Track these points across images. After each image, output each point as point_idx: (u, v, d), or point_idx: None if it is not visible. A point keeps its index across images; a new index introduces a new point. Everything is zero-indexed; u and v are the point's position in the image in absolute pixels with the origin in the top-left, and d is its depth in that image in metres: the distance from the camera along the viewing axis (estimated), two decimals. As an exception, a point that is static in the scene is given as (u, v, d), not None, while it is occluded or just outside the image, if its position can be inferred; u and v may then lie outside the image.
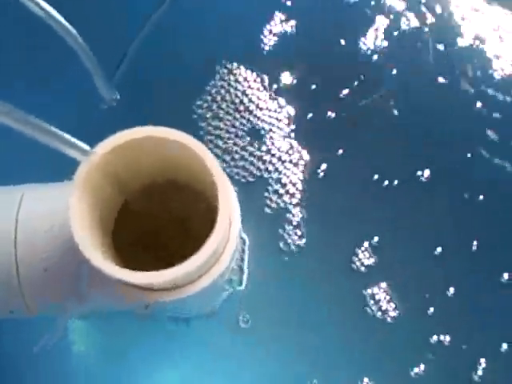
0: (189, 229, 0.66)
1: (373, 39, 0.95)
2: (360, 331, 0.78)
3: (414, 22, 0.96)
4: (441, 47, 0.95)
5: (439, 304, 0.79)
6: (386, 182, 0.85)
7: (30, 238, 0.51)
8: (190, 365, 0.77)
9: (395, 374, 0.78)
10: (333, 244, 0.82)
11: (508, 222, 0.85)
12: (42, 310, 0.54)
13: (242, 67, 0.92)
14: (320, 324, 0.78)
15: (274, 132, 0.88)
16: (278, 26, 0.96)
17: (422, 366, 0.76)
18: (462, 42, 0.95)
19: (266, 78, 0.92)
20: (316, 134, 0.89)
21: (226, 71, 0.92)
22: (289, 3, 0.97)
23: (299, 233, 0.82)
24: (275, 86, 0.91)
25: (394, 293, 0.79)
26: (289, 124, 0.89)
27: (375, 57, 0.94)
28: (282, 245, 0.81)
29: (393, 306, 0.79)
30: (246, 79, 0.91)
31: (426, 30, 0.96)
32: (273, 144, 0.87)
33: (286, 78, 0.92)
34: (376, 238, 0.82)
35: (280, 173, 0.85)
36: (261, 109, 0.89)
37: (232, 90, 0.90)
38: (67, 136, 0.44)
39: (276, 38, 0.95)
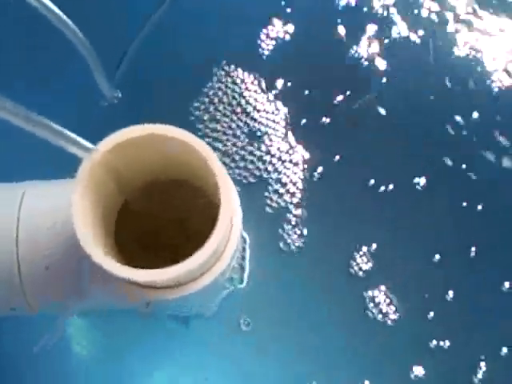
0: (188, 229, 0.66)
1: (370, 43, 0.95)
2: (360, 334, 0.79)
3: (412, 26, 0.97)
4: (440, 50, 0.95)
5: (438, 307, 0.79)
6: (386, 186, 0.85)
7: (31, 235, 0.51)
8: (190, 364, 0.77)
9: (395, 376, 0.78)
10: (332, 245, 0.83)
11: (508, 225, 0.85)
12: (44, 307, 0.54)
13: (239, 69, 0.92)
14: (320, 325, 0.78)
15: (271, 133, 0.88)
16: (276, 29, 0.96)
17: (422, 369, 0.77)
18: (460, 48, 0.96)
19: (262, 80, 0.92)
20: (314, 135, 0.89)
21: (223, 73, 0.92)
22: (288, 10, 0.97)
23: (299, 232, 0.82)
24: (272, 88, 0.92)
25: (393, 295, 0.79)
26: (286, 125, 0.89)
27: (373, 61, 0.94)
28: (281, 245, 0.81)
29: (393, 308, 0.79)
30: (243, 81, 0.92)
31: (425, 32, 0.96)
32: (271, 145, 0.87)
33: (284, 80, 0.92)
34: (375, 242, 0.82)
35: (280, 173, 0.86)
36: (258, 110, 0.90)
37: (229, 92, 0.91)
38: (70, 133, 0.44)
39: (274, 42, 0.95)
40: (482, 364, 0.76)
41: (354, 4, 0.98)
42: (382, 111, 0.90)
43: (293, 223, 0.83)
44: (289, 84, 0.92)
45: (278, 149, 0.87)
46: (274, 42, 0.95)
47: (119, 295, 0.51)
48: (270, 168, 0.86)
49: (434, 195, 0.86)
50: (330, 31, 0.96)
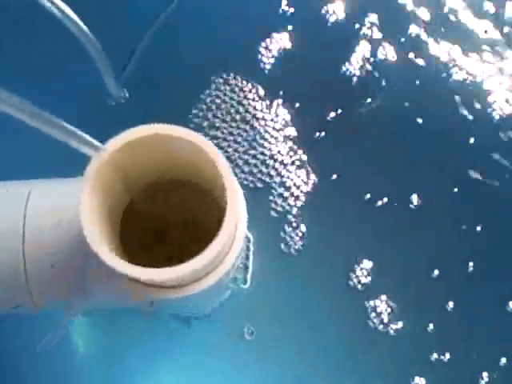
0: (192, 229, 0.66)
1: (368, 56, 0.96)
2: (361, 344, 0.79)
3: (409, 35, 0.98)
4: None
5: (439, 318, 0.80)
6: (385, 198, 0.86)
7: (37, 233, 0.51)
8: (191, 365, 0.77)
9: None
10: (333, 253, 0.83)
11: (506, 240, 0.86)
12: (49, 305, 0.54)
13: (238, 77, 0.93)
14: (320, 325, 0.79)
15: (270, 139, 0.89)
16: (275, 40, 0.97)
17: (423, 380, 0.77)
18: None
19: (260, 87, 0.93)
20: (314, 142, 0.90)
21: (221, 81, 0.92)
22: (290, 27, 0.98)
23: (300, 234, 0.82)
24: (271, 96, 0.92)
25: (394, 304, 0.80)
26: (285, 131, 0.89)
27: (372, 72, 0.95)
28: (283, 246, 0.82)
29: (392, 317, 0.79)
30: (241, 89, 0.92)
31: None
32: (271, 151, 0.88)
33: (283, 88, 0.93)
34: (375, 254, 0.82)
35: (282, 177, 0.86)
36: (257, 118, 0.90)
37: (228, 100, 0.91)
38: (79, 132, 0.44)
39: (274, 53, 0.96)
40: (485, 374, 0.77)
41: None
42: (383, 119, 0.91)
43: (293, 225, 0.83)
44: (287, 91, 0.93)
45: (278, 154, 0.87)
46: (273, 52, 0.96)
47: (123, 294, 0.51)
48: (272, 172, 0.87)
49: (436, 206, 0.86)
50: (327, 40, 0.98)
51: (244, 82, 0.92)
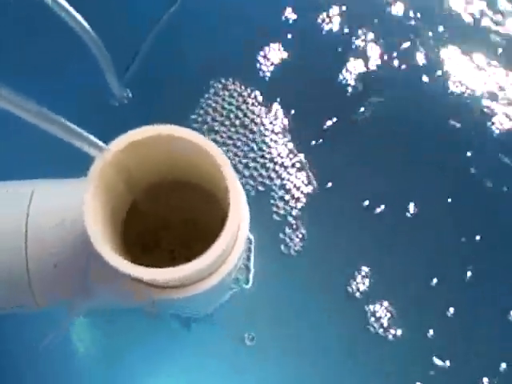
0: (192, 229, 0.67)
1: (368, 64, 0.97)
2: (361, 345, 0.79)
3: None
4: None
5: (439, 323, 0.80)
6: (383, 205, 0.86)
7: (40, 232, 0.51)
8: (191, 366, 0.78)
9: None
10: (333, 251, 0.83)
11: (506, 246, 0.86)
12: (51, 305, 0.54)
13: (237, 82, 0.93)
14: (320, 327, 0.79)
15: (270, 142, 0.89)
16: (276, 50, 0.97)
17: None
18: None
19: (258, 93, 0.93)
20: (313, 144, 0.90)
21: (220, 86, 0.92)
22: (289, 36, 0.98)
23: (300, 236, 0.83)
24: (270, 100, 0.93)
25: (394, 309, 0.80)
26: (284, 135, 0.90)
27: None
28: (283, 247, 0.82)
29: (392, 322, 0.79)
30: (240, 94, 0.92)
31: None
32: (271, 155, 0.88)
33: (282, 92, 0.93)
34: (375, 252, 0.83)
35: (283, 179, 0.86)
36: (256, 123, 0.90)
37: (226, 105, 0.91)
38: (83, 132, 0.44)
39: (273, 62, 0.96)
40: (485, 380, 0.77)
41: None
42: (382, 121, 0.92)
43: (293, 227, 0.83)
44: (286, 96, 0.93)
45: (278, 159, 0.88)
46: (273, 62, 0.96)
47: (126, 294, 0.51)
48: (272, 175, 0.87)
49: (439, 211, 0.87)
50: (326, 48, 0.98)
51: (242, 87, 0.93)
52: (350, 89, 0.94)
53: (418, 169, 0.89)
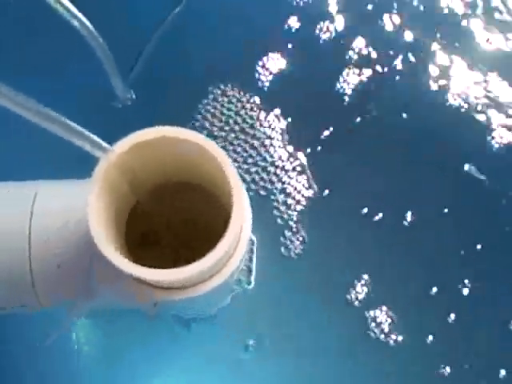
0: (192, 229, 0.67)
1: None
2: (361, 347, 0.79)
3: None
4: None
5: (440, 329, 0.80)
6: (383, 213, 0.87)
7: (44, 233, 0.51)
8: (191, 367, 0.78)
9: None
10: (333, 254, 0.83)
11: (506, 251, 0.86)
12: (55, 305, 0.54)
13: (235, 88, 0.93)
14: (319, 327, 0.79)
15: (270, 147, 0.89)
16: (276, 59, 0.97)
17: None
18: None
19: (257, 98, 0.93)
20: (313, 148, 0.90)
21: (219, 92, 0.93)
22: (290, 45, 0.99)
23: (301, 239, 0.83)
24: (270, 106, 0.93)
25: (394, 314, 0.80)
26: (283, 139, 0.90)
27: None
28: (283, 250, 0.82)
29: (393, 329, 0.79)
30: (239, 100, 0.92)
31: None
32: (272, 157, 0.88)
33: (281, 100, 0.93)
34: (375, 255, 0.83)
35: (283, 183, 0.87)
36: (254, 128, 0.91)
37: (225, 111, 0.91)
38: (87, 133, 0.44)
39: (273, 72, 0.96)
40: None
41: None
42: (381, 125, 0.92)
43: (293, 229, 0.84)
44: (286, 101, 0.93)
45: (279, 161, 0.88)
46: (273, 72, 0.96)
47: (129, 294, 0.51)
48: (274, 178, 0.87)
49: (439, 217, 0.87)
50: (326, 57, 0.98)
51: (240, 93, 0.93)
52: (350, 93, 0.95)
53: (417, 173, 0.89)
